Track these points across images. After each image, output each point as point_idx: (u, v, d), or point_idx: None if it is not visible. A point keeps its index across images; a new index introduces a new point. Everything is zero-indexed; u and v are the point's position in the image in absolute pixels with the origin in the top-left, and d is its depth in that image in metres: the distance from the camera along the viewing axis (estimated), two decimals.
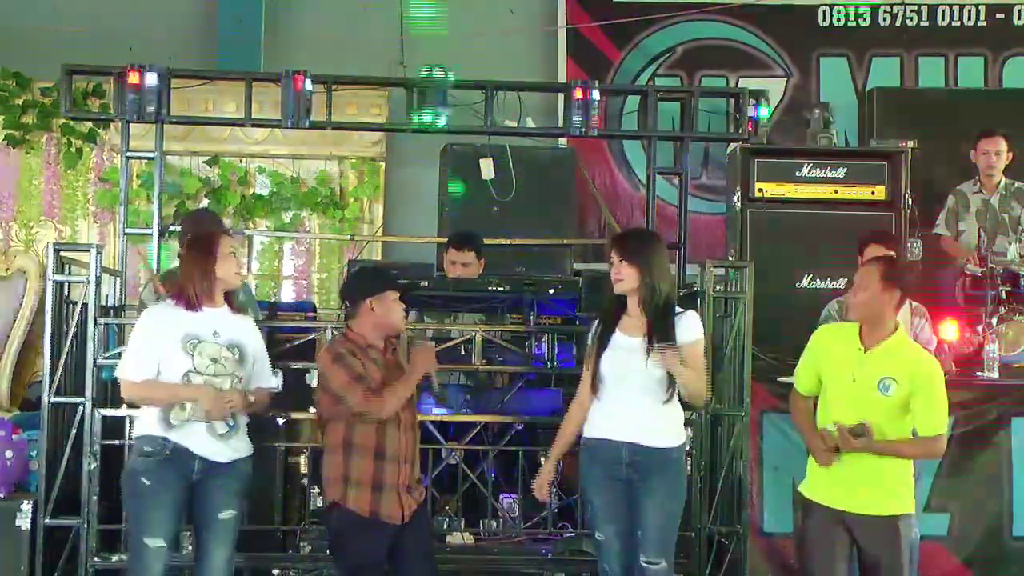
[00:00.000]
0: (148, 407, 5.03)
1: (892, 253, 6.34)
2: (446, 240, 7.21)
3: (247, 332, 5.17)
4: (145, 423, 5.02)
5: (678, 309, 5.02)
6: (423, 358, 5.24)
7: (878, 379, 4.90)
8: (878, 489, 4.94)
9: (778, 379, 6.34)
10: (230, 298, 5.14)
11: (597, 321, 5.16)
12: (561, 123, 7.14)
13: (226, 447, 5.02)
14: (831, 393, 5.03)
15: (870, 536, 4.92)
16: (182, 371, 4.95)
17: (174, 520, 4.96)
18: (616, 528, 4.98)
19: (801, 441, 6.01)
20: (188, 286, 5.04)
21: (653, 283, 4.95)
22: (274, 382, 5.31)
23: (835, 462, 4.94)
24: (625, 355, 4.96)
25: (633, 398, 4.95)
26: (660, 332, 4.89)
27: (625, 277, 4.97)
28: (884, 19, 9.69)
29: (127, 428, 5.82)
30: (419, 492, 5.23)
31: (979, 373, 6.73)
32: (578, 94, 6.68)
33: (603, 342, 5.04)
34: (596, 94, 6.69)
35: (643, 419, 4.93)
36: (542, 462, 6.43)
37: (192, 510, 5.03)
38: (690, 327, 4.99)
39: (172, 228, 7.78)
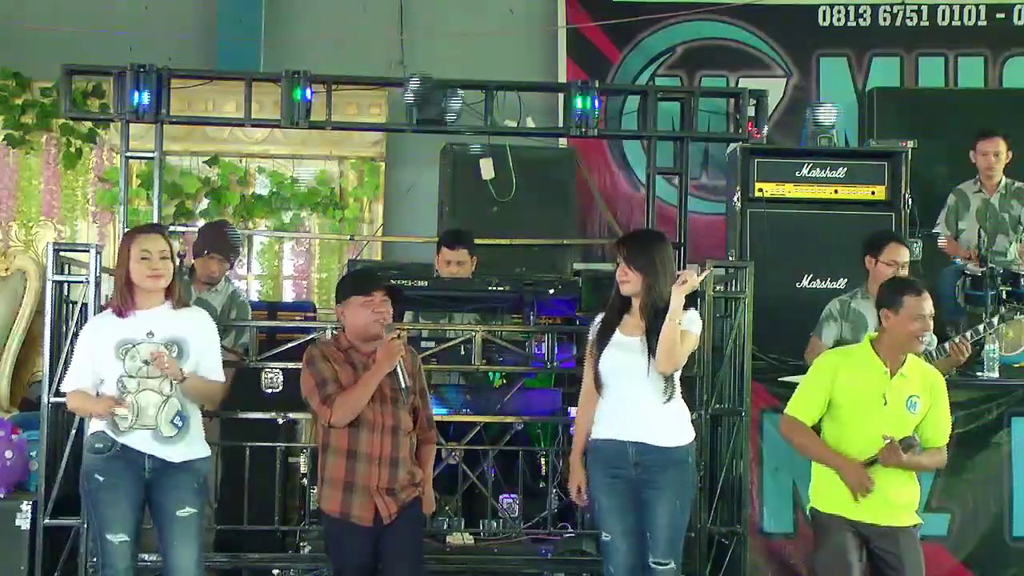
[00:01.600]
0: None
1: (907, 252, 6.36)
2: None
3: (189, 327, 5.05)
4: (97, 421, 5.00)
5: None
6: (384, 354, 5.05)
7: (907, 398, 5.04)
8: (904, 500, 5.08)
9: (779, 379, 6.34)
10: (172, 291, 5.04)
11: (599, 318, 5.16)
12: (561, 123, 7.14)
13: (175, 450, 4.96)
14: (857, 418, 5.07)
15: (897, 546, 5.02)
16: (115, 377, 4.92)
17: (133, 515, 4.92)
18: (623, 528, 4.97)
19: None
20: (115, 293, 5.04)
21: (657, 288, 4.95)
22: (219, 376, 5.16)
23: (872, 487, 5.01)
24: (625, 354, 4.97)
25: (635, 397, 4.95)
26: (655, 332, 4.90)
27: (630, 280, 4.99)
28: (884, 19, 9.69)
29: None
30: (407, 493, 5.10)
31: (979, 373, 6.73)
32: (577, 94, 6.68)
33: (603, 340, 5.05)
34: (596, 94, 6.69)
35: (648, 418, 4.93)
36: (542, 463, 6.47)
37: (151, 510, 5.00)
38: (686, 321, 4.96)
39: (172, 228, 7.81)
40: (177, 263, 5.21)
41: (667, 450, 4.94)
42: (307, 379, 5.07)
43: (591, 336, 5.16)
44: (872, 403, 5.04)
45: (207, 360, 5.09)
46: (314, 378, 5.05)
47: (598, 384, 5.06)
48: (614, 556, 5.00)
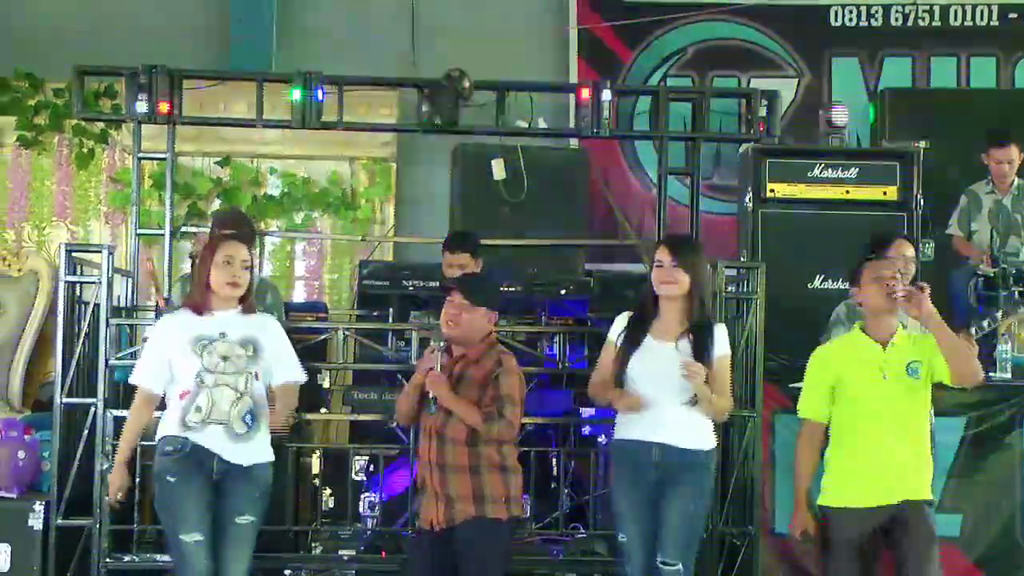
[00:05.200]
0: (170, 409, 5.02)
1: (913, 249, 6.32)
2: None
3: (259, 328, 5.09)
4: (166, 424, 5.01)
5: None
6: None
7: (906, 365, 5.01)
8: (911, 475, 5.02)
9: (789, 385, 6.33)
10: (246, 298, 5.08)
11: (626, 318, 5.10)
12: (573, 124, 7.15)
13: (245, 449, 4.96)
14: (861, 397, 5.04)
15: (906, 520, 4.95)
16: (194, 372, 4.93)
17: (205, 514, 4.90)
18: (639, 529, 4.96)
19: None
20: (193, 291, 5.12)
21: (700, 294, 4.97)
22: (299, 374, 5.18)
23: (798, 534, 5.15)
24: (657, 358, 4.94)
25: (664, 401, 4.92)
26: (701, 344, 4.91)
27: (677, 282, 4.95)
28: (896, 19, 9.67)
29: None
30: (462, 505, 4.99)
31: (992, 374, 6.70)
32: (588, 94, 6.69)
33: (633, 342, 5.01)
34: (607, 95, 6.69)
35: (675, 421, 4.92)
36: (553, 463, 6.48)
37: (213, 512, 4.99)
38: (722, 340, 5.00)
39: (184, 229, 7.80)
40: (256, 273, 5.26)
41: (691, 452, 4.94)
42: None
43: (613, 336, 5.09)
44: (872, 380, 5.02)
45: (284, 359, 5.13)
46: None
47: (621, 384, 4.99)
48: (630, 557, 4.99)
